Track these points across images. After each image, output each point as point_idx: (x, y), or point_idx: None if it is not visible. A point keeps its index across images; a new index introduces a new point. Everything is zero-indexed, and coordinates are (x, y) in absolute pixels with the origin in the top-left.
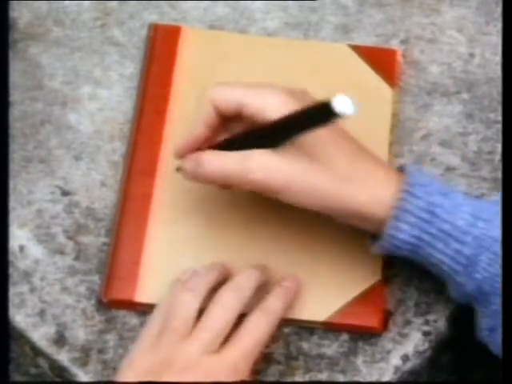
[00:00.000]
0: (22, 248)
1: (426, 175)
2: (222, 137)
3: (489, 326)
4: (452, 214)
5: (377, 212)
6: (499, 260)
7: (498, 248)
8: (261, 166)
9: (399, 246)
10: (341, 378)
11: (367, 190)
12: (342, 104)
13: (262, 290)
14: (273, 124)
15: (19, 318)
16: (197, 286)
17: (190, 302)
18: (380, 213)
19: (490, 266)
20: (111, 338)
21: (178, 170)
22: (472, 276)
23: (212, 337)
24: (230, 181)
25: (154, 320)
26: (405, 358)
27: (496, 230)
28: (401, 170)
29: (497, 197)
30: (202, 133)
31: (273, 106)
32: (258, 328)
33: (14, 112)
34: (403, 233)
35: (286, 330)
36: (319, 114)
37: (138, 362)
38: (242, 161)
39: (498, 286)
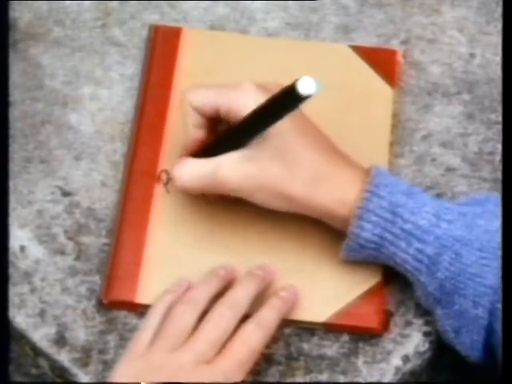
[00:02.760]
0: (22, 248)
1: (390, 176)
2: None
3: (454, 328)
4: (414, 214)
5: (342, 212)
6: (460, 259)
7: (459, 247)
8: (231, 174)
9: (363, 245)
10: (341, 378)
11: (333, 193)
12: (306, 86)
13: (263, 290)
14: (244, 120)
15: (20, 318)
16: (195, 299)
17: (187, 314)
18: (345, 213)
19: (451, 265)
20: (112, 339)
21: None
22: (434, 275)
23: (206, 348)
24: (202, 190)
25: (146, 327)
26: (405, 359)
27: (458, 231)
28: (368, 170)
29: (464, 198)
30: (195, 135)
31: (247, 105)
32: (251, 340)
33: (15, 112)
34: (366, 231)
35: (287, 330)
36: (286, 100)
37: (127, 368)
38: (212, 170)
39: (460, 284)
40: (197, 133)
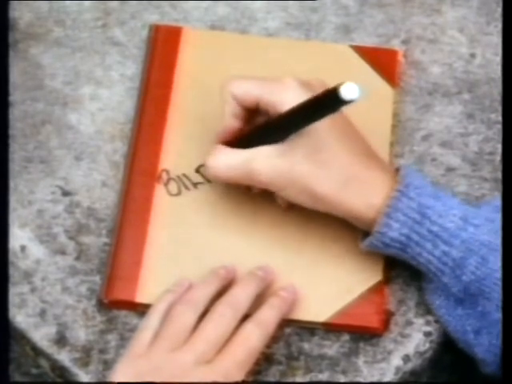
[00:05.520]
0: (23, 248)
1: (420, 177)
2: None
3: (474, 328)
4: (442, 217)
5: (369, 214)
6: (486, 263)
7: (485, 253)
8: (264, 168)
9: (388, 244)
10: (342, 378)
11: (362, 195)
12: (349, 91)
13: (263, 290)
14: (282, 116)
15: (20, 318)
16: (195, 299)
17: (187, 314)
18: (372, 215)
19: (477, 269)
20: (112, 338)
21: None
22: (459, 278)
23: (206, 348)
24: (233, 180)
25: (147, 327)
26: (406, 359)
27: (485, 236)
28: (398, 170)
29: (489, 201)
30: (231, 124)
31: (287, 100)
32: (251, 340)
33: (15, 112)
34: (393, 231)
35: (287, 330)
36: (327, 103)
37: (127, 368)
38: (246, 162)
39: (485, 288)
40: (233, 122)
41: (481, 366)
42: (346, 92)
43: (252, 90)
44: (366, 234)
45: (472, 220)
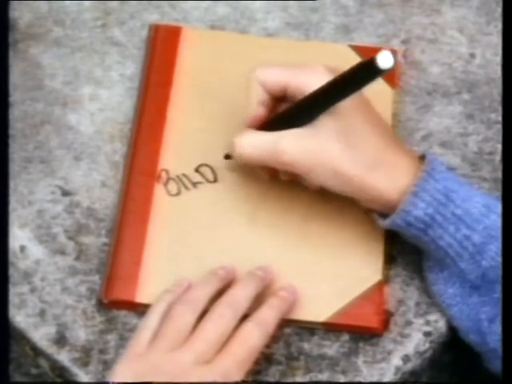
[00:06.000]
0: (22, 248)
1: (443, 164)
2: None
3: (489, 316)
4: (466, 202)
5: (392, 195)
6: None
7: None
8: (289, 149)
9: (411, 224)
10: (341, 378)
11: (387, 177)
12: (385, 59)
13: (263, 291)
14: (312, 95)
15: (20, 318)
16: (195, 299)
17: (186, 314)
18: (395, 196)
19: (497, 256)
20: (112, 338)
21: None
22: (479, 263)
23: (205, 348)
24: (262, 162)
25: (146, 327)
26: (405, 359)
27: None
28: (421, 156)
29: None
30: (257, 112)
31: (316, 83)
32: (251, 339)
33: (15, 112)
34: (419, 209)
35: (287, 330)
36: (364, 73)
37: (127, 368)
38: (272, 143)
39: None
40: (259, 110)
41: (487, 361)
42: (382, 61)
43: (280, 77)
44: (382, 215)
45: (494, 208)
